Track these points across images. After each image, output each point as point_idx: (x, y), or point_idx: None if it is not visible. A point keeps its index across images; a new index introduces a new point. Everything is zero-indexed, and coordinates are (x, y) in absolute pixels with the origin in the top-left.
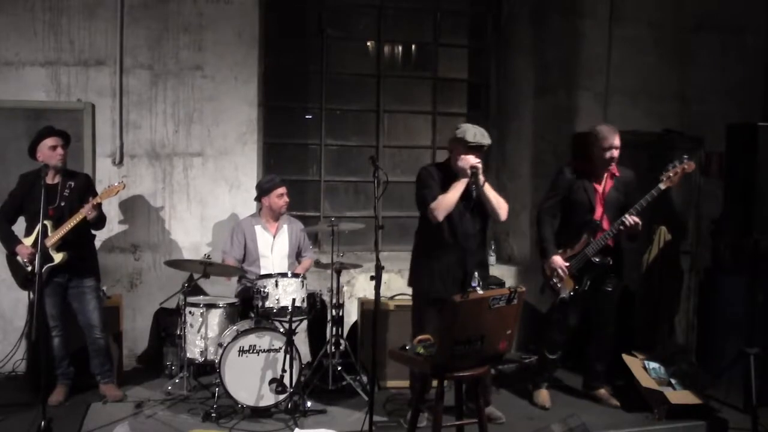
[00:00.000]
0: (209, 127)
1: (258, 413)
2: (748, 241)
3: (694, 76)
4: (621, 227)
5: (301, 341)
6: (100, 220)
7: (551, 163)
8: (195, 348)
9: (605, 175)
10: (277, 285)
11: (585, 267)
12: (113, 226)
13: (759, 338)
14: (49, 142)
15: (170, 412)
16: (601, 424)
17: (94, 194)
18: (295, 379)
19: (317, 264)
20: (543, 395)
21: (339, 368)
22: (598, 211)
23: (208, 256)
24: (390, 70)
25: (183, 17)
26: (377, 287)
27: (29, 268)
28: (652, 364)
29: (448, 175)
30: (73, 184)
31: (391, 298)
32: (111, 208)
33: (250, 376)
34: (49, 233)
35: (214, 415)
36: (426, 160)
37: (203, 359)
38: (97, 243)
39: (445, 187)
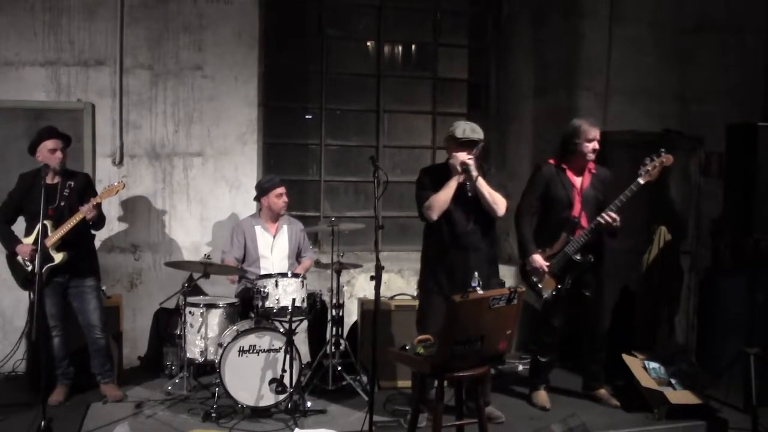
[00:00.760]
0: (209, 127)
1: (258, 413)
2: (748, 241)
3: (694, 76)
4: (600, 223)
5: (301, 341)
6: (99, 220)
7: None
8: (195, 348)
9: (584, 171)
10: (277, 285)
11: (567, 266)
12: (113, 226)
13: (759, 338)
14: (50, 144)
15: (170, 412)
16: (601, 424)
17: (94, 194)
18: (295, 379)
19: (317, 264)
20: (542, 396)
21: (339, 368)
22: (576, 208)
23: (208, 256)
24: (390, 70)
25: (183, 17)
26: (377, 287)
27: (29, 268)
28: (652, 364)
29: (447, 174)
30: (72, 183)
31: (391, 298)
32: (111, 208)
33: (250, 376)
34: (49, 233)
35: (214, 415)
36: (426, 160)
37: (203, 359)
38: (97, 243)
39: (445, 180)
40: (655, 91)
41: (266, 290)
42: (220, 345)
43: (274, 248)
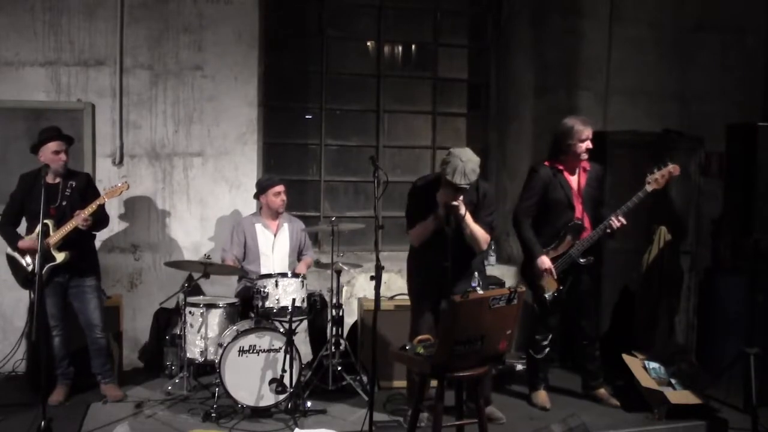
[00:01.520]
0: (209, 127)
1: (258, 413)
2: (748, 241)
3: (694, 76)
4: (608, 230)
5: (301, 341)
6: (101, 222)
7: None
8: (195, 348)
9: (578, 170)
10: (277, 285)
11: (569, 268)
12: (113, 226)
13: (759, 338)
14: (54, 146)
15: (170, 412)
16: (601, 424)
17: (96, 193)
18: (295, 379)
19: (317, 264)
20: (541, 396)
21: (339, 368)
22: (578, 209)
23: (208, 256)
24: (390, 70)
25: (183, 17)
26: (377, 287)
27: (30, 268)
28: (652, 364)
29: (437, 189)
30: (74, 183)
31: (391, 298)
32: (111, 208)
33: (250, 376)
34: (51, 233)
35: (214, 415)
36: (426, 160)
37: (203, 359)
38: (97, 243)
39: (434, 202)
40: (655, 91)
41: (266, 290)
42: (220, 345)
43: (275, 246)
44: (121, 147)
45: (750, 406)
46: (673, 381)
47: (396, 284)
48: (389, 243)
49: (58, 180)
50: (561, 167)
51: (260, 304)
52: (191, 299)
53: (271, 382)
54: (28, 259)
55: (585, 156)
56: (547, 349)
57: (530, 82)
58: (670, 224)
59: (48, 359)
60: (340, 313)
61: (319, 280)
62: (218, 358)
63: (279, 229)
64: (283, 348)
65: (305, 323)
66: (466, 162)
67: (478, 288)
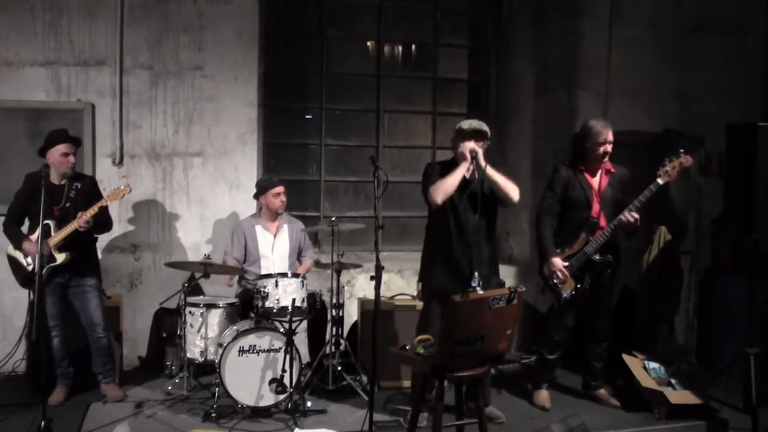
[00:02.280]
0: (209, 127)
1: (258, 413)
2: (748, 241)
3: (694, 76)
4: (621, 221)
5: (301, 341)
6: (103, 225)
7: (551, 163)
8: (195, 348)
9: (600, 171)
10: (277, 285)
11: (586, 266)
12: (113, 226)
13: (759, 338)
14: (62, 148)
15: (170, 412)
16: (601, 424)
17: (100, 197)
18: (295, 379)
19: (317, 264)
20: (543, 396)
21: (339, 368)
22: (595, 208)
23: (209, 256)
24: (390, 70)
25: (183, 17)
26: (377, 287)
27: (30, 268)
28: (652, 364)
29: (454, 168)
30: (79, 186)
31: (391, 298)
32: (111, 208)
33: (250, 376)
34: (53, 233)
35: (214, 415)
36: (426, 160)
37: (203, 359)
38: (99, 243)
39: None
40: (655, 91)
41: (266, 290)
42: (220, 345)
43: (274, 248)
44: (121, 147)
45: (750, 406)
46: (673, 381)
47: (396, 284)
48: (389, 243)
49: (63, 182)
50: (582, 167)
51: (260, 304)
52: (191, 299)
53: (271, 382)
54: (29, 258)
55: (603, 159)
56: (560, 350)
57: (530, 82)
58: (670, 224)
59: (48, 359)
60: (340, 313)
61: (319, 280)
62: (218, 358)
63: (279, 230)
64: (283, 348)
65: (305, 323)
66: (474, 120)
67: (478, 288)
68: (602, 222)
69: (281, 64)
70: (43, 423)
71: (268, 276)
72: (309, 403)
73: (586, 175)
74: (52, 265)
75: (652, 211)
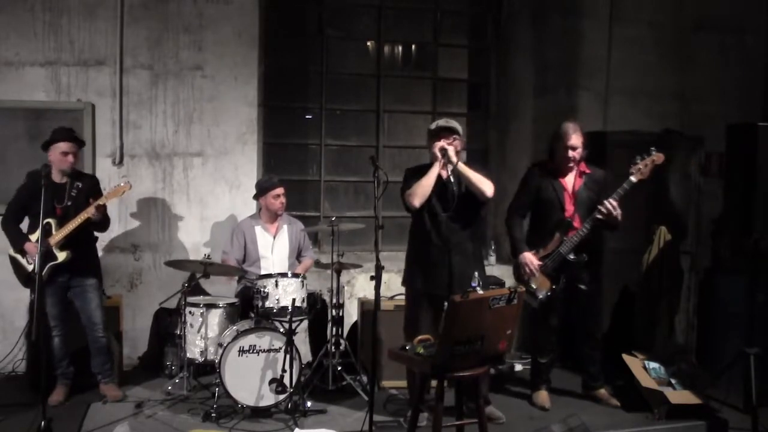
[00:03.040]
0: (209, 127)
1: (258, 413)
2: (748, 241)
3: (694, 76)
4: (599, 215)
5: (301, 341)
6: (104, 222)
7: None
8: (195, 348)
9: (574, 172)
10: (277, 285)
11: (561, 266)
12: (113, 226)
13: (759, 338)
14: (63, 146)
15: (170, 412)
16: (601, 424)
17: (100, 197)
18: (295, 379)
19: (317, 264)
20: (542, 396)
21: (339, 368)
22: (569, 209)
23: (209, 256)
24: (390, 70)
25: (183, 17)
26: (377, 287)
27: (31, 267)
28: (652, 364)
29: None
30: (80, 185)
31: (391, 298)
32: (111, 208)
33: (250, 376)
34: (54, 231)
35: (214, 415)
36: (425, 160)
37: (203, 359)
38: (99, 243)
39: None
40: (655, 91)
41: (266, 290)
42: (220, 345)
43: (274, 248)
44: (121, 147)
45: (750, 406)
46: (673, 381)
47: (396, 284)
48: (389, 243)
49: (65, 180)
50: (554, 168)
51: (260, 304)
52: (191, 299)
53: (271, 382)
54: (30, 258)
55: (572, 162)
56: (552, 353)
57: (530, 82)
58: (670, 224)
59: (48, 359)
60: (340, 313)
61: (319, 280)
62: (218, 358)
63: (278, 231)
64: (283, 348)
65: (305, 323)
66: (443, 119)
67: (478, 288)
68: (576, 222)
69: (281, 64)
70: (43, 423)
71: (268, 276)
72: (309, 403)
73: (560, 175)
74: (53, 263)
75: (652, 211)
